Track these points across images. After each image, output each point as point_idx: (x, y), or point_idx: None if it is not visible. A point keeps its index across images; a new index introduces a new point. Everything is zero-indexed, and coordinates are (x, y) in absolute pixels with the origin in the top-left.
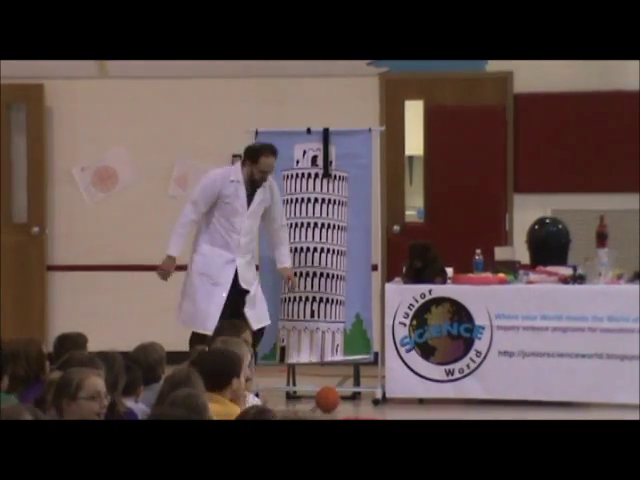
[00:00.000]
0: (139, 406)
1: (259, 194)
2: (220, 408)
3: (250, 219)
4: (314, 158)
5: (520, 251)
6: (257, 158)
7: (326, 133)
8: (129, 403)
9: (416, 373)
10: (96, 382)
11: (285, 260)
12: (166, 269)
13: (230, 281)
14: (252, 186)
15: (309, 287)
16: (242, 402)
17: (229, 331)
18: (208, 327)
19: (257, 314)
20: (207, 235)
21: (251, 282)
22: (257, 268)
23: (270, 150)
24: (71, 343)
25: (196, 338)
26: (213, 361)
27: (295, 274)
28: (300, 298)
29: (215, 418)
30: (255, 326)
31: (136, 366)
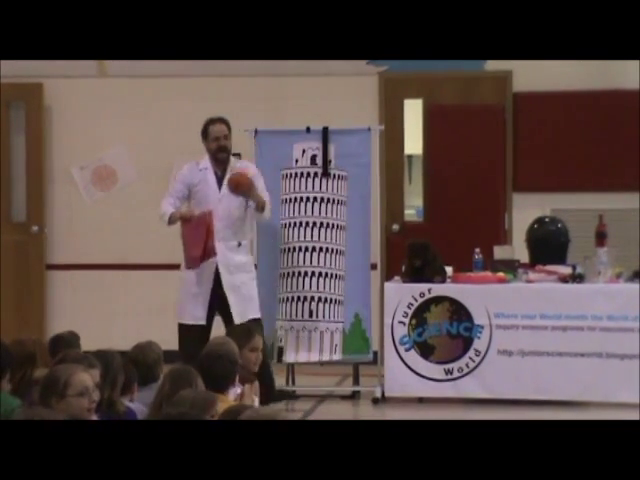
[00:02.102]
0: (136, 405)
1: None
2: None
3: (224, 203)
4: (313, 157)
5: (519, 250)
6: (206, 130)
7: (325, 132)
8: (125, 402)
9: (415, 372)
10: (83, 378)
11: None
12: (188, 215)
13: (213, 270)
14: (222, 170)
15: (307, 287)
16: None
17: (240, 335)
18: (198, 317)
19: (241, 307)
20: None
21: (233, 269)
22: (256, 267)
23: (216, 118)
24: (65, 343)
25: (185, 331)
26: (215, 364)
27: (294, 273)
28: (298, 298)
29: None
30: (236, 320)
31: (132, 365)
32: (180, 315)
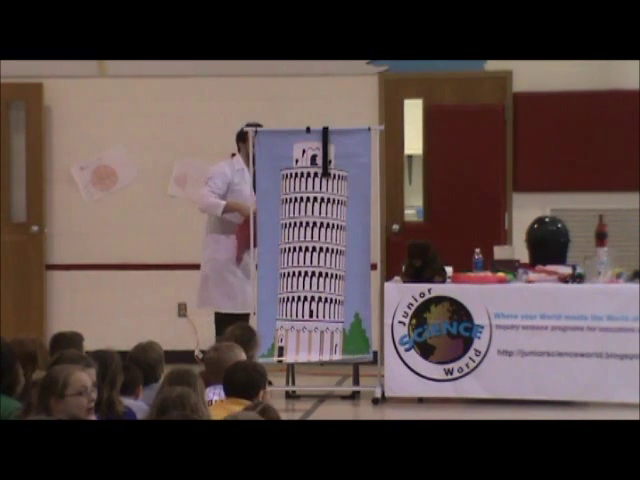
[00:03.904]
0: (138, 403)
1: None
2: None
3: (251, 202)
4: (313, 157)
5: (519, 250)
6: (247, 135)
7: (325, 132)
8: (128, 402)
9: (415, 372)
10: (81, 377)
11: None
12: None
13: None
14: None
15: (308, 287)
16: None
17: (242, 333)
18: (248, 306)
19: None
20: (221, 225)
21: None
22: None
23: (255, 125)
24: (67, 342)
25: (223, 319)
26: (243, 373)
27: (294, 273)
28: (299, 298)
29: None
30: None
31: (135, 366)
32: (234, 305)
